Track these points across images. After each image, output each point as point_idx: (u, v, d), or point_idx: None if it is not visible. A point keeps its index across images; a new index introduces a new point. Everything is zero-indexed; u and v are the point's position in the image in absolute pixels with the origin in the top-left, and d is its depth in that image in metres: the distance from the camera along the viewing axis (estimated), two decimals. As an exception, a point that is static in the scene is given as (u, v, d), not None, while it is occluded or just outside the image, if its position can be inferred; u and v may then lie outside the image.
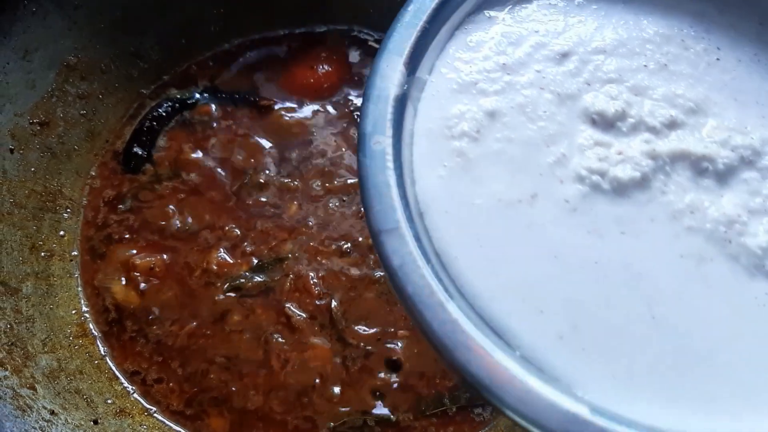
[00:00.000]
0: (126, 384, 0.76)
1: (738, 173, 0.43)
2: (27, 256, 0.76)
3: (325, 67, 0.90)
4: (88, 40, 0.82)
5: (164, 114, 0.86)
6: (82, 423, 0.70)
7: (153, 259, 0.79)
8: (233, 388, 0.74)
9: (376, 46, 0.92)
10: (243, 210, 0.82)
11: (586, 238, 0.41)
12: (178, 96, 0.88)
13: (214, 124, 0.87)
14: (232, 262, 0.79)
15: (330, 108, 0.89)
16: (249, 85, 0.90)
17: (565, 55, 0.48)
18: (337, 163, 0.84)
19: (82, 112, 0.84)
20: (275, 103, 0.88)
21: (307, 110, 0.88)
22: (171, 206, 0.82)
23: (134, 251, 0.80)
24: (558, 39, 0.49)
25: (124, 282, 0.79)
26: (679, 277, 0.40)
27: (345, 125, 0.87)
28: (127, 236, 0.81)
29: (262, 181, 0.83)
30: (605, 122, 0.44)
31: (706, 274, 0.40)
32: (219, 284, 0.78)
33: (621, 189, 0.41)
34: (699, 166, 0.43)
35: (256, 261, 0.79)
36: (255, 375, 0.74)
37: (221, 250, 0.79)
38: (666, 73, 0.47)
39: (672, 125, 0.44)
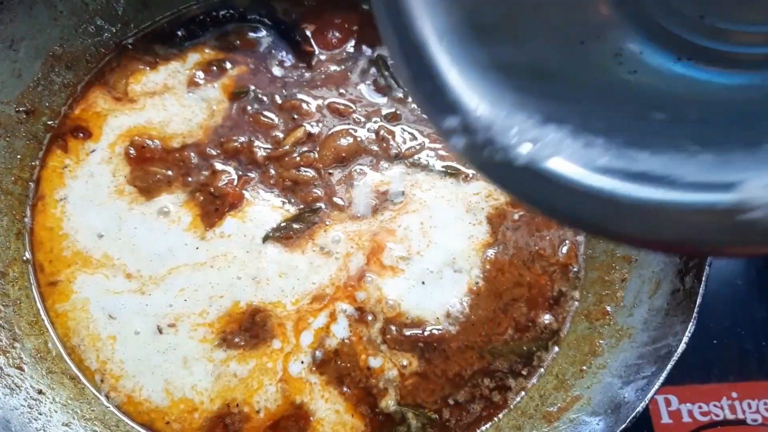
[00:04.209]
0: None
1: None
2: (13, 241, 0.78)
3: (336, 34, 0.91)
4: (74, 31, 0.84)
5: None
6: (69, 402, 0.72)
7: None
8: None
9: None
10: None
11: None
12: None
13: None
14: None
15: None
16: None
17: None
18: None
19: (68, 101, 0.85)
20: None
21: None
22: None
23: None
24: None
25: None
26: None
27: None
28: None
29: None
30: None
31: None
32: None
33: None
34: None
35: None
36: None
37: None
38: None
39: None
